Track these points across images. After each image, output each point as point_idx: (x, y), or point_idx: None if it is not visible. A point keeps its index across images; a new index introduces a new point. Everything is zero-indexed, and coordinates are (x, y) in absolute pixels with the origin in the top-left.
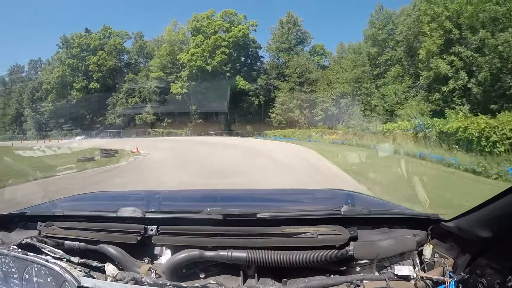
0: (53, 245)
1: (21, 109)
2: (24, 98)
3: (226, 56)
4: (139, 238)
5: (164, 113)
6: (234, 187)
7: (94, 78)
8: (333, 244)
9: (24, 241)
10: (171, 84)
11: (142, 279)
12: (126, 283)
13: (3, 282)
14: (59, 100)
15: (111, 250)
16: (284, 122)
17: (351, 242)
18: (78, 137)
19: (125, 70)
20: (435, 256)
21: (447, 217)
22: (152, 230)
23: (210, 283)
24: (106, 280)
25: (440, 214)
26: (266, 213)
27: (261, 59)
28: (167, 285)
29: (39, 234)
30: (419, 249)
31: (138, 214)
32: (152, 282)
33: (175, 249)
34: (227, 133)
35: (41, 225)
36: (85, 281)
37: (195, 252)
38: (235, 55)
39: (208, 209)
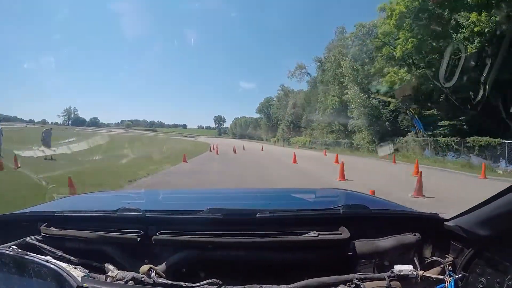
0: (53, 245)
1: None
2: None
3: None
4: (139, 238)
5: None
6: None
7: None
8: (333, 243)
9: (24, 241)
10: None
11: (142, 279)
12: (126, 283)
13: (3, 282)
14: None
15: (111, 250)
16: None
17: (351, 241)
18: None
19: None
20: (435, 255)
21: (447, 216)
22: (152, 230)
23: (210, 282)
24: (106, 280)
25: (440, 213)
26: (266, 213)
27: None
28: (167, 285)
29: (39, 234)
30: (419, 248)
31: (138, 214)
32: (152, 282)
33: (176, 248)
34: None
35: (41, 225)
36: (85, 281)
37: (195, 252)
38: None
39: (208, 209)
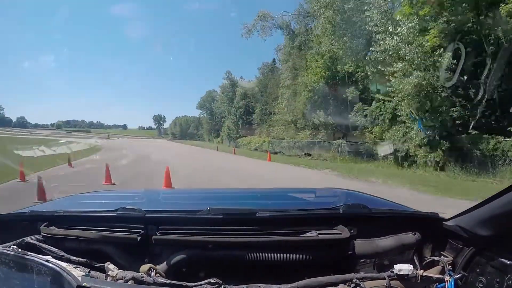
0: (53, 245)
1: None
2: None
3: None
4: (139, 237)
5: None
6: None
7: None
8: (333, 243)
9: (24, 241)
10: None
11: (143, 279)
12: (126, 282)
13: (3, 282)
14: None
15: (111, 249)
16: None
17: (351, 240)
18: None
19: None
20: (435, 254)
21: (447, 216)
22: (152, 229)
23: (210, 282)
24: (106, 279)
25: (440, 213)
26: (266, 212)
27: None
28: (167, 284)
29: (39, 234)
30: (419, 247)
31: (138, 213)
32: (152, 281)
33: (175, 248)
34: None
35: (41, 225)
36: (85, 281)
37: (195, 251)
38: None
39: (208, 208)
